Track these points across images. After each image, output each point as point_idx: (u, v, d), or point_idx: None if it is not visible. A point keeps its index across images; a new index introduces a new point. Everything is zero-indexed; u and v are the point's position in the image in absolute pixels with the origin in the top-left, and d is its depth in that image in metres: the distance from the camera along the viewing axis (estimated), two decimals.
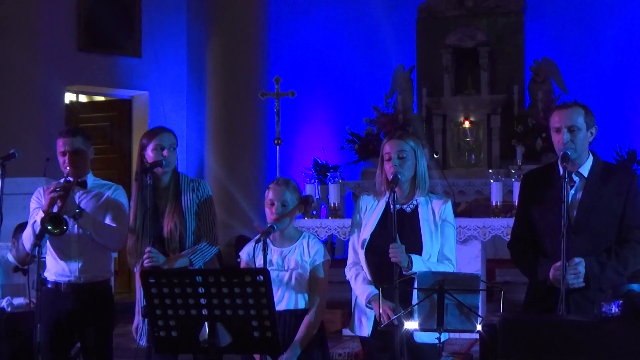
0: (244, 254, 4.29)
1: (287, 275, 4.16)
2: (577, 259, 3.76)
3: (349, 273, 4.13)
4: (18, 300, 5.71)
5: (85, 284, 4.54)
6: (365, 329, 4.06)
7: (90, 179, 4.65)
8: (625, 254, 3.84)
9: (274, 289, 4.07)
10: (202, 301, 3.32)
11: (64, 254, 4.54)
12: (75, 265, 4.53)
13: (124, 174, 11.35)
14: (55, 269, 4.55)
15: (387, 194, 4.02)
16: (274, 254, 4.19)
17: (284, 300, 4.14)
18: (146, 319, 4.26)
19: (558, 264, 3.73)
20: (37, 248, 4.29)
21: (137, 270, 4.41)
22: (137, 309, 4.39)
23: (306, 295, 4.17)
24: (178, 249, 4.32)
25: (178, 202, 4.36)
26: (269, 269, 4.09)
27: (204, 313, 3.33)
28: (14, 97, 10.17)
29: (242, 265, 4.28)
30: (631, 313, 3.05)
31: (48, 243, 4.54)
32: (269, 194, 4.20)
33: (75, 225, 4.46)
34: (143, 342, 4.35)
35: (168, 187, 4.41)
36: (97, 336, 4.54)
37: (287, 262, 4.17)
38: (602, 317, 3.09)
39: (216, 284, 3.30)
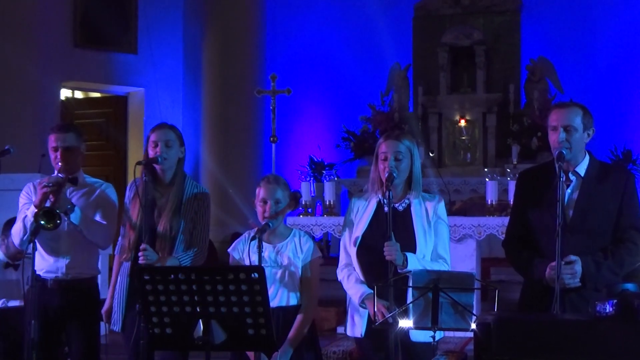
0: (234, 251, 4.27)
1: (280, 272, 4.16)
2: (572, 257, 3.76)
3: (341, 274, 4.12)
4: (13, 303, 5.68)
5: (71, 280, 4.53)
6: (358, 328, 4.05)
7: (82, 176, 4.64)
8: (621, 253, 3.85)
9: (267, 285, 4.07)
10: (197, 298, 3.32)
11: (52, 250, 4.52)
12: (63, 262, 4.52)
13: (119, 171, 11.35)
14: (42, 265, 4.53)
15: (379, 194, 4.03)
16: (266, 250, 4.18)
17: (277, 297, 4.13)
18: (121, 305, 4.31)
19: (553, 263, 3.74)
20: (31, 244, 4.28)
21: (117, 257, 4.44)
22: (111, 293, 4.43)
23: (297, 292, 4.17)
24: (168, 248, 4.31)
25: (178, 203, 4.35)
26: (262, 265, 4.10)
27: (198, 310, 3.33)
28: (9, 93, 10.16)
29: (231, 262, 4.26)
30: (625, 312, 3.05)
31: (36, 239, 4.51)
32: (261, 192, 4.19)
33: (66, 222, 4.44)
34: (117, 328, 4.37)
35: (171, 184, 4.40)
36: (83, 334, 4.53)
37: (281, 258, 4.17)
38: (597, 316, 3.09)
39: (211, 281, 3.30)
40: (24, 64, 10.06)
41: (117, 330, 4.41)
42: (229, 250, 4.32)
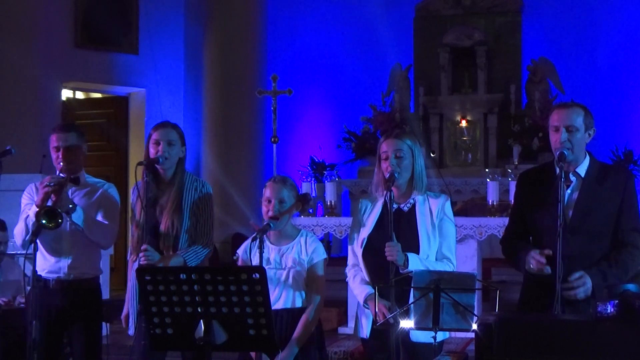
0: (242, 251, 4.28)
1: (284, 273, 4.15)
2: (577, 274, 3.74)
3: (349, 274, 4.13)
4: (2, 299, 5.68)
5: (73, 280, 4.53)
6: (364, 330, 4.05)
7: (83, 176, 4.64)
8: (624, 259, 3.83)
9: (272, 287, 4.07)
10: (198, 299, 3.32)
11: (54, 250, 4.52)
12: (65, 262, 4.52)
13: (120, 171, 11.35)
14: (44, 265, 4.53)
15: (384, 194, 4.02)
16: (272, 252, 4.18)
17: (281, 298, 4.13)
18: (134, 308, 4.32)
19: (534, 252, 3.74)
20: (32, 244, 4.28)
21: (129, 259, 4.44)
22: (128, 296, 4.43)
23: (303, 294, 4.17)
24: (172, 246, 4.32)
25: (179, 200, 4.35)
26: (267, 267, 4.10)
27: (199, 311, 3.33)
28: (10, 94, 10.15)
29: (240, 263, 4.27)
30: (626, 313, 3.05)
31: (38, 239, 4.51)
32: (266, 192, 4.19)
33: (67, 222, 4.44)
34: (131, 332, 4.38)
35: (172, 182, 4.40)
36: (85, 334, 4.53)
37: (285, 260, 4.16)
38: (598, 317, 3.09)
39: (212, 281, 3.29)
40: (25, 64, 10.06)
41: (131, 335, 4.40)
42: (237, 251, 4.32)
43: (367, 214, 4.11)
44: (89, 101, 12.32)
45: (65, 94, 11.75)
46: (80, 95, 12.32)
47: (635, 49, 12.46)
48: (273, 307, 4.02)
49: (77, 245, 4.52)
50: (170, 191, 4.38)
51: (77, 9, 11.29)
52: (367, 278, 4.03)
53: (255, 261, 4.02)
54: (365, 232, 4.06)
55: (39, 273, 4.54)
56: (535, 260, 3.77)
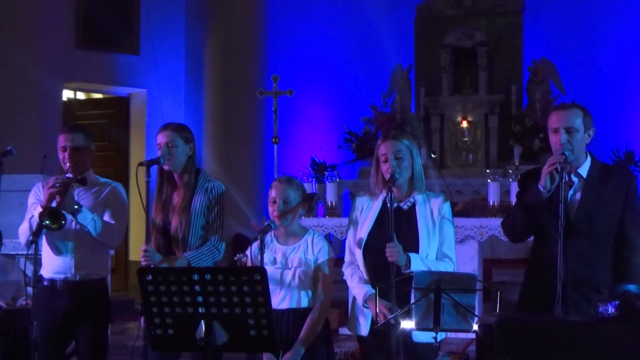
0: (251, 253, 4.25)
1: (290, 273, 4.14)
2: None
3: (346, 272, 4.12)
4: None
5: (81, 281, 4.52)
6: (363, 328, 4.05)
7: (91, 176, 4.64)
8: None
9: (278, 287, 4.08)
10: (199, 299, 3.31)
11: (60, 251, 4.52)
12: (72, 263, 4.51)
13: (121, 172, 11.35)
14: (51, 266, 4.53)
15: (384, 193, 4.02)
16: (278, 252, 4.17)
17: (287, 298, 4.12)
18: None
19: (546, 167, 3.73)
20: (34, 245, 4.28)
21: None
22: None
23: (309, 293, 4.16)
24: (181, 247, 4.31)
25: (188, 200, 4.35)
26: (274, 267, 4.10)
27: (200, 311, 3.33)
28: (11, 94, 10.16)
29: (249, 264, 4.25)
30: (627, 314, 3.04)
31: (44, 240, 4.51)
32: (272, 192, 4.19)
33: (74, 222, 4.44)
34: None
35: (181, 182, 4.39)
36: (92, 335, 4.53)
37: (291, 260, 4.15)
38: (599, 317, 3.08)
39: (213, 282, 3.29)
40: (27, 64, 10.06)
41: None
42: (246, 252, 4.30)
43: (365, 213, 4.10)
44: (90, 101, 12.33)
45: (67, 94, 11.77)
46: (81, 95, 12.33)
47: (637, 49, 12.46)
48: (279, 307, 4.04)
49: (83, 246, 4.51)
50: (180, 192, 4.38)
51: (78, 10, 11.31)
52: (365, 277, 4.02)
53: (260, 262, 4.01)
54: (364, 232, 4.05)
55: (46, 274, 4.55)
56: (547, 163, 3.74)
